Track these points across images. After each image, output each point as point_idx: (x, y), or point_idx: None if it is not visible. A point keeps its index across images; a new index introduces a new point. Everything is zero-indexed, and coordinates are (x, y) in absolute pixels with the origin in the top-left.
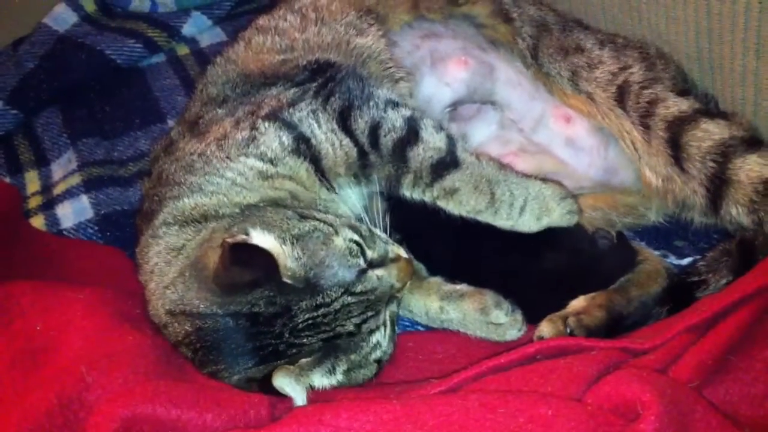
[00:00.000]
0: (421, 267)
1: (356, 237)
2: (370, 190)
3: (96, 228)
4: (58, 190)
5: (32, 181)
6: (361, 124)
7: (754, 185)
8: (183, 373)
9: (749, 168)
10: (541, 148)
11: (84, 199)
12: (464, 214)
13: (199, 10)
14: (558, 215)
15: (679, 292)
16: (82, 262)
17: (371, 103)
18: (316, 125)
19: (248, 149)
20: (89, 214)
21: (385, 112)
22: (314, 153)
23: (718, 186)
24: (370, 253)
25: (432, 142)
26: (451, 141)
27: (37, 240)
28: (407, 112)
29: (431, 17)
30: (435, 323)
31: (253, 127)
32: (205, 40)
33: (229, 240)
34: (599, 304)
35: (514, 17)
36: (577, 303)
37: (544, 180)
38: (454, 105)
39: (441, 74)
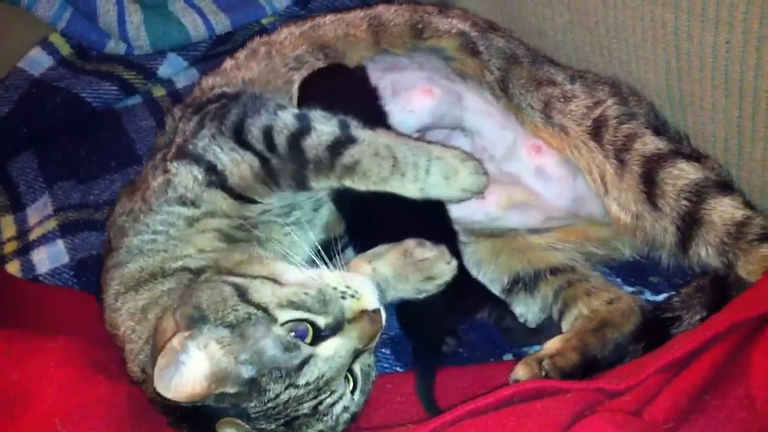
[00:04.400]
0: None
1: (298, 314)
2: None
3: (71, 273)
4: (33, 236)
5: (8, 226)
6: (255, 132)
7: (727, 227)
8: (157, 425)
9: (723, 209)
10: (512, 178)
11: (60, 244)
12: (372, 187)
13: (175, 52)
14: (465, 175)
15: (654, 329)
16: (58, 309)
17: (262, 111)
18: (219, 149)
19: (167, 195)
20: (65, 259)
21: (275, 114)
22: (222, 178)
23: (689, 225)
24: (321, 321)
25: (324, 128)
26: (343, 123)
27: (13, 287)
28: (296, 110)
29: (395, 52)
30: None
31: (166, 170)
32: (181, 81)
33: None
34: (574, 346)
35: (481, 51)
36: (552, 345)
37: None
38: (421, 131)
39: (404, 102)
